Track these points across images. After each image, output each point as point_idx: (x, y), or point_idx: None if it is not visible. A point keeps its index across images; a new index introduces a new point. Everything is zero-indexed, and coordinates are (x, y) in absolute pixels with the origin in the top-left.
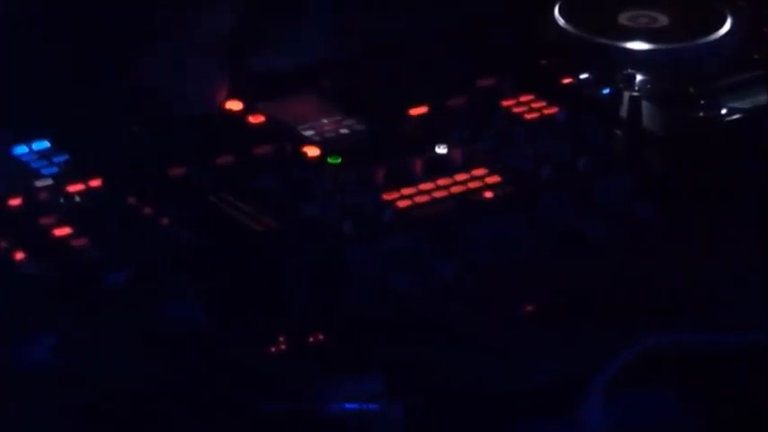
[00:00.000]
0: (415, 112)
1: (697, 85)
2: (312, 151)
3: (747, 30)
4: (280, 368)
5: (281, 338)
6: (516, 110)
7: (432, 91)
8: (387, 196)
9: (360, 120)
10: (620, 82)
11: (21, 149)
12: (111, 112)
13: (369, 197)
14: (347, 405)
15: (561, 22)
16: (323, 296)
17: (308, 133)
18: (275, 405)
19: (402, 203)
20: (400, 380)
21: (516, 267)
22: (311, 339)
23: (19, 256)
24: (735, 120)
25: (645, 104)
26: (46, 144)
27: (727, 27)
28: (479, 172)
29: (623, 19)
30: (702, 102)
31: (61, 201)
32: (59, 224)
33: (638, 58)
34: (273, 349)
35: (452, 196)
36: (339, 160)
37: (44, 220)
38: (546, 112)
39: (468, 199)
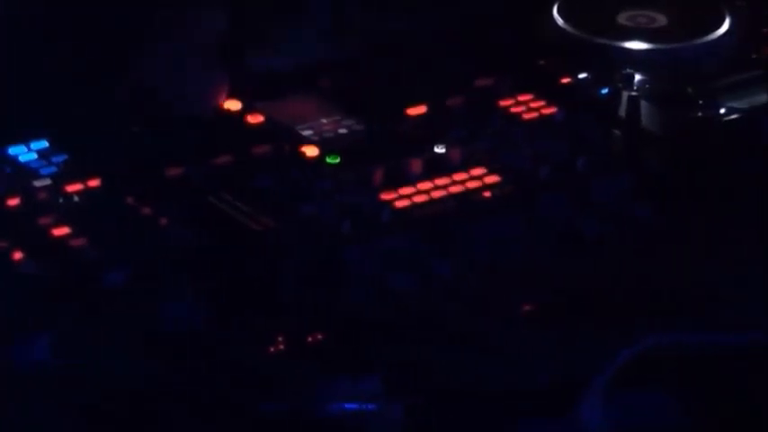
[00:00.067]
0: (413, 111)
1: (695, 84)
2: (311, 151)
3: (746, 30)
4: (278, 368)
5: (280, 338)
6: (515, 110)
7: (430, 91)
8: (385, 196)
9: (358, 120)
10: (618, 82)
11: (19, 149)
12: (109, 112)
13: (367, 197)
14: (346, 405)
15: (560, 21)
16: (321, 296)
17: (307, 133)
18: (274, 405)
19: (400, 203)
20: (399, 380)
21: (515, 267)
22: (310, 339)
23: (18, 255)
24: (733, 120)
25: (643, 104)
26: (45, 144)
27: (725, 27)
28: (478, 172)
29: (622, 19)
30: (701, 102)
31: (60, 201)
32: (58, 224)
33: (636, 58)
34: (272, 349)
35: (451, 196)
36: (337, 160)
37: (43, 220)
38: (544, 111)
39: (467, 199)
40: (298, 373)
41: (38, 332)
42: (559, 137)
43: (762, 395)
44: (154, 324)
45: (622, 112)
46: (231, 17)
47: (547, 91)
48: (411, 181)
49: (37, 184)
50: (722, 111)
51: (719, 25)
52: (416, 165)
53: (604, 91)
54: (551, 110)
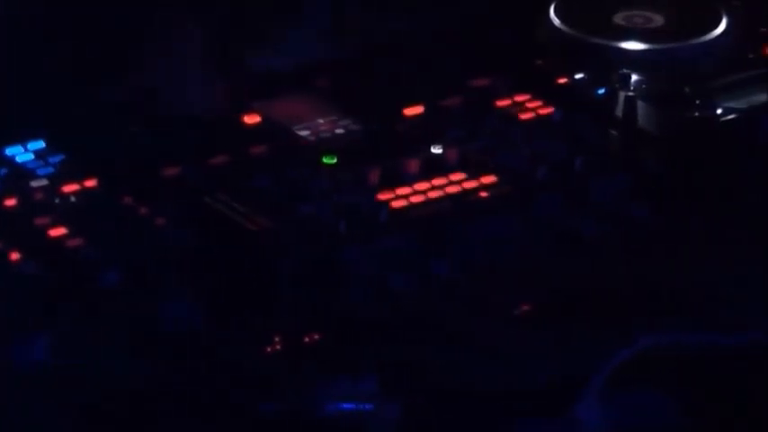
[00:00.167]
0: (410, 112)
1: (692, 84)
2: (308, 151)
3: (743, 29)
4: (275, 368)
5: (277, 338)
6: (511, 110)
7: (427, 91)
8: (382, 196)
9: (355, 120)
10: (615, 82)
11: (16, 150)
12: (106, 113)
13: (364, 197)
14: (343, 405)
15: (557, 22)
16: (318, 296)
17: (304, 133)
18: (271, 405)
19: (397, 203)
20: (396, 380)
21: (512, 267)
22: (307, 339)
23: (14, 256)
24: (730, 120)
25: (640, 104)
26: (41, 144)
27: (722, 27)
28: (475, 172)
29: (618, 19)
30: (698, 102)
31: (57, 201)
32: (55, 224)
33: (633, 58)
34: (269, 349)
35: (448, 196)
36: (335, 160)
37: (40, 221)
38: (541, 111)
39: (464, 199)
40: (295, 372)
41: (37, 332)
42: (556, 137)
43: (761, 395)
44: (150, 324)
45: (619, 112)
46: (230, 17)
47: (544, 91)
48: (408, 181)
49: (34, 184)
50: (719, 111)
51: (716, 25)
52: (413, 165)
53: (601, 91)
54: (548, 110)
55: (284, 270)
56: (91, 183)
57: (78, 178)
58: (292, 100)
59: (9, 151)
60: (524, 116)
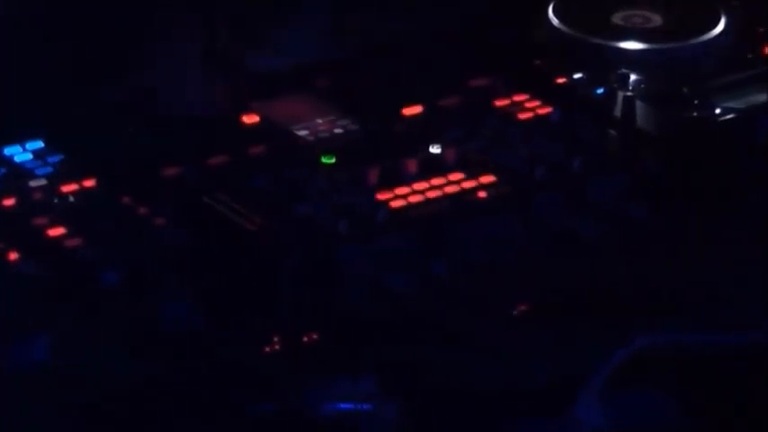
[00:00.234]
0: (409, 111)
1: (691, 84)
2: (306, 151)
3: (741, 29)
4: (274, 368)
5: (275, 338)
6: (510, 110)
7: (426, 91)
8: (381, 196)
9: (354, 120)
10: (614, 82)
11: (15, 149)
12: (105, 112)
13: (363, 197)
14: (341, 405)
15: (555, 21)
16: (317, 296)
17: (303, 133)
18: (269, 405)
19: (396, 203)
20: (395, 380)
21: (510, 267)
22: (305, 339)
23: (13, 256)
24: (729, 119)
25: (639, 104)
26: (40, 144)
27: (721, 27)
28: (473, 172)
29: (617, 19)
30: (696, 101)
31: (55, 201)
32: (53, 224)
33: (632, 58)
34: (268, 349)
35: (446, 196)
36: (333, 160)
37: (38, 221)
38: (540, 111)
39: (463, 199)
40: (294, 372)
41: (36, 332)
42: (555, 137)
43: (761, 395)
44: (149, 324)
45: (618, 112)
46: (229, 17)
47: (542, 91)
48: (407, 181)
49: (32, 184)
50: (718, 111)
51: (715, 25)
52: (412, 165)
53: (600, 91)
54: (547, 110)
55: (283, 270)
56: (90, 183)
57: (77, 178)
58: (291, 100)
59: (8, 151)
60: (523, 116)
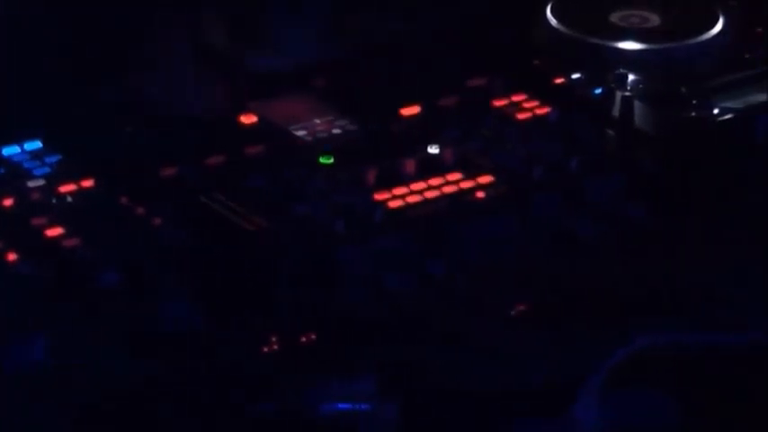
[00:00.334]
0: (407, 112)
1: (689, 84)
2: (304, 151)
3: (739, 29)
4: (272, 368)
5: (273, 338)
6: (508, 110)
7: (424, 91)
8: (379, 196)
9: (352, 120)
10: (612, 82)
11: (13, 150)
12: (103, 112)
13: (361, 197)
14: (340, 405)
15: (553, 21)
16: (315, 296)
17: (301, 133)
18: (267, 405)
19: (394, 203)
20: (393, 380)
21: (508, 267)
22: (303, 339)
23: (12, 256)
24: (727, 120)
25: (637, 104)
26: (38, 144)
27: (719, 27)
28: (471, 172)
29: (615, 19)
30: (694, 101)
31: (53, 201)
32: (52, 224)
33: (629, 58)
34: (266, 349)
35: (444, 196)
36: (331, 160)
37: (36, 221)
38: (538, 111)
39: (460, 199)
40: (292, 372)
41: (35, 332)
42: (553, 137)
43: (761, 395)
44: (147, 324)
45: (616, 112)
46: (229, 17)
47: (540, 91)
48: (405, 181)
49: (30, 184)
50: (716, 111)
51: (713, 25)
52: (410, 165)
53: (598, 91)
54: (545, 110)
55: (281, 270)
56: (88, 183)
57: (75, 178)
58: (289, 100)
59: (6, 151)
60: (521, 116)
